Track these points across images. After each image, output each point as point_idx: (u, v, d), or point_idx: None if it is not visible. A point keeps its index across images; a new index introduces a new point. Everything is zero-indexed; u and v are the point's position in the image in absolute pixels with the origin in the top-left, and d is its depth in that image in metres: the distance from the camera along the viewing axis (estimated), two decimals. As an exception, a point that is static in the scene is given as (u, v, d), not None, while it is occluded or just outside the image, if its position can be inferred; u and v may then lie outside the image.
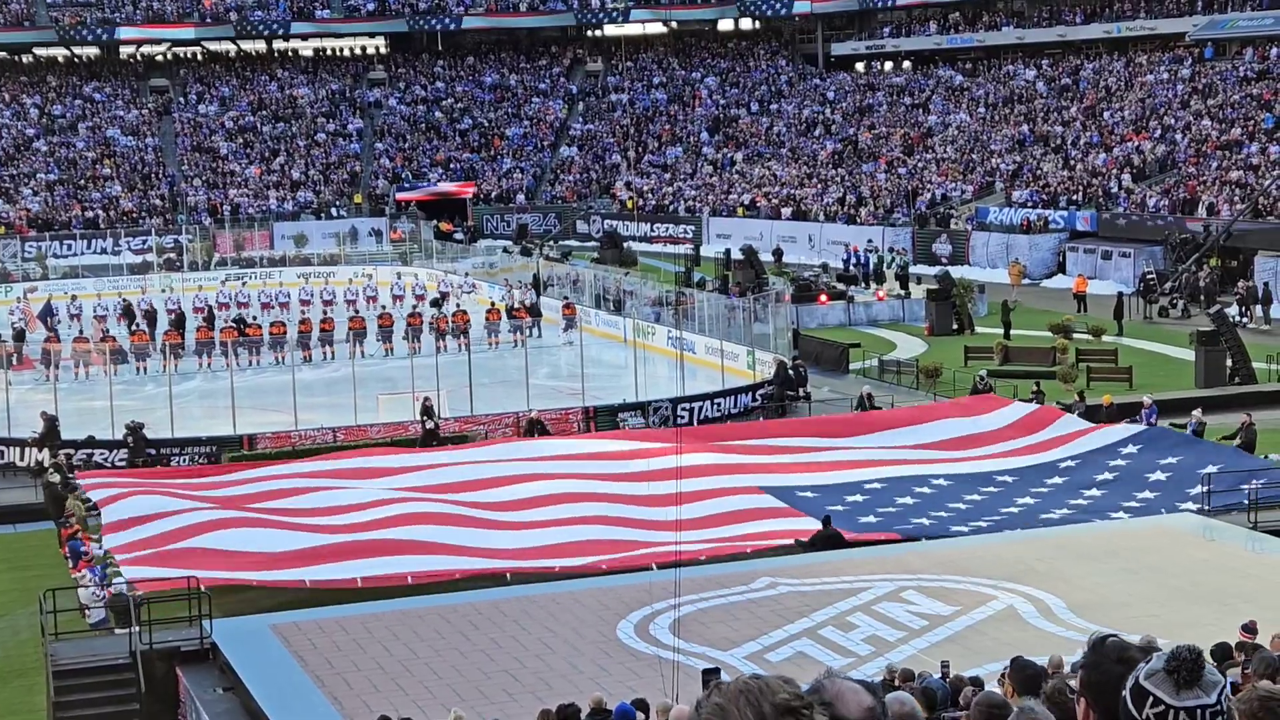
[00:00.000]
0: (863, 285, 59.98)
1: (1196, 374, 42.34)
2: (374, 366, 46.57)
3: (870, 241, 66.78)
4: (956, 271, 59.68)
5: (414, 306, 55.78)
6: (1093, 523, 27.53)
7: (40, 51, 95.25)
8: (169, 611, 23.18)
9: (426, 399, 37.83)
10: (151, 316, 53.69)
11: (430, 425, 36.93)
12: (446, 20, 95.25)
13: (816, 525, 27.88)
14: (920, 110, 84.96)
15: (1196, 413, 33.99)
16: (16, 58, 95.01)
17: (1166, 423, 34.74)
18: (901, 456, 33.15)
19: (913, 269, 61.89)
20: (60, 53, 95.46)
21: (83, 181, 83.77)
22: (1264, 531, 26.03)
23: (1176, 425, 34.41)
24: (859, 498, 30.16)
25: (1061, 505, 29.10)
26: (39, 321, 54.30)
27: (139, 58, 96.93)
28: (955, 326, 52.64)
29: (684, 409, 40.03)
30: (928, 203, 71.78)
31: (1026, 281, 60.88)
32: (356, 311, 54.32)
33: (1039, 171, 70.69)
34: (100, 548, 27.13)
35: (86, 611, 24.28)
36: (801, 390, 41.66)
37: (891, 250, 65.37)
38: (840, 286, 58.28)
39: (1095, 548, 25.14)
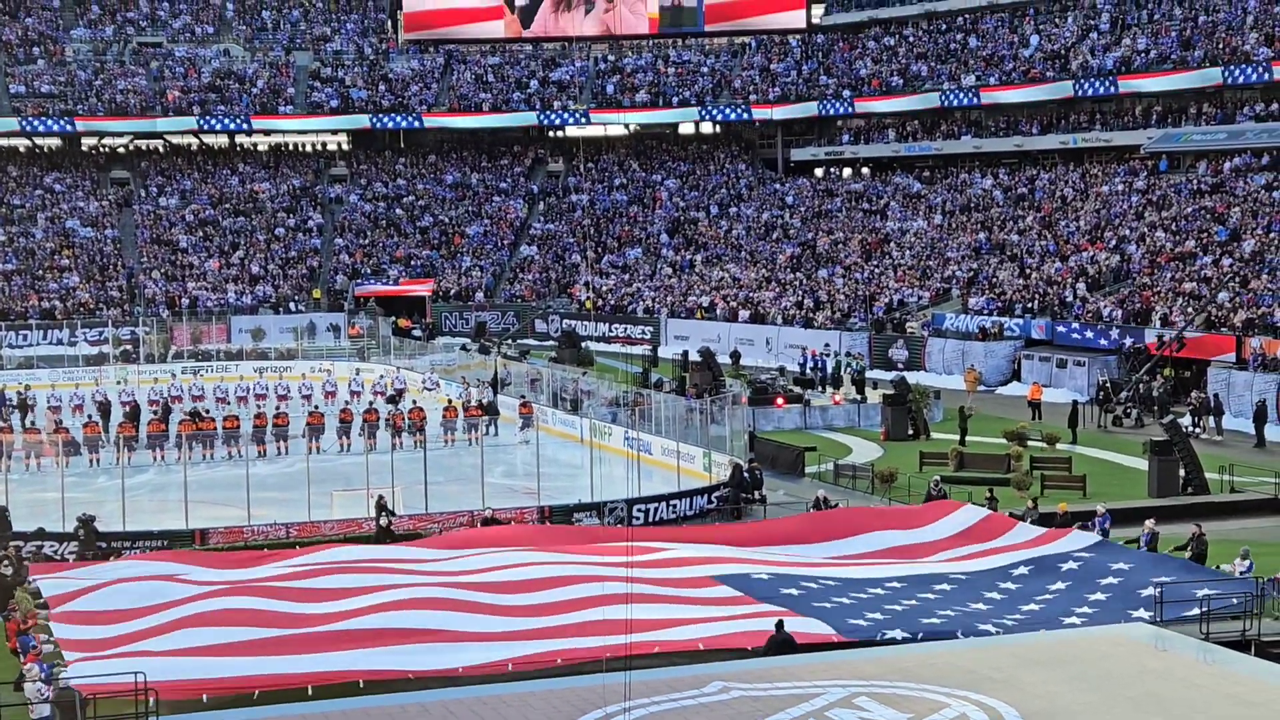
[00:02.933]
0: (819, 389, 60.18)
1: (1150, 483, 42.51)
2: (329, 462, 46.38)
3: (827, 345, 67.09)
4: (912, 377, 59.95)
5: (370, 402, 55.65)
6: (1045, 631, 27.51)
7: (1, 141, 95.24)
8: (115, 709, 22.90)
9: (381, 496, 37.67)
10: (105, 408, 53.41)
11: (384, 522, 36.77)
12: (409, 118, 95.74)
13: (771, 609, 27.84)
14: (878, 216, 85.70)
15: (1149, 523, 34.08)
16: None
17: (1119, 532, 34.85)
18: (854, 561, 33.20)
19: (869, 374, 62.17)
20: (21, 143, 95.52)
21: (40, 272, 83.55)
22: (1215, 643, 26.08)
23: (1129, 535, 34.49)
24: (813, 585, 30.19)
25: (1014, 611, 29.11)
26: (-8, 411, 54.01)
27: (101, 149, 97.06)
28: (911, 432, 52.79)
29: (639, 510, 39.95)
30: (885, 308, 72.17)
31: (982, 388, 61.15)
32: (315, 407, 54.13)
33: (995, 279, 71.22)
34: (50, 643, 26.85)
35: (31, 708, 23.99)
36: (757, 493, 41.64)
37: (848, 355, 65.65)
38: (797, 390, 58.46)
39: (1048, 655, 25.11)
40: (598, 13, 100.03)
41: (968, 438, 49.88)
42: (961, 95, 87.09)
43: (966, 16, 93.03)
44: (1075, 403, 53.83)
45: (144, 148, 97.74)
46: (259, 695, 24.96)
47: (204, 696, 24.66)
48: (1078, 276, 67.87)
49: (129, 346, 70.84)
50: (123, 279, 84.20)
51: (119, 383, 59.80)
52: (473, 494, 40.20)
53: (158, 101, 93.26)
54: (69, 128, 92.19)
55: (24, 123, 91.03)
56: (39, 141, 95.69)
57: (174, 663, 25.71)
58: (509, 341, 76.71)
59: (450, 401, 54.64)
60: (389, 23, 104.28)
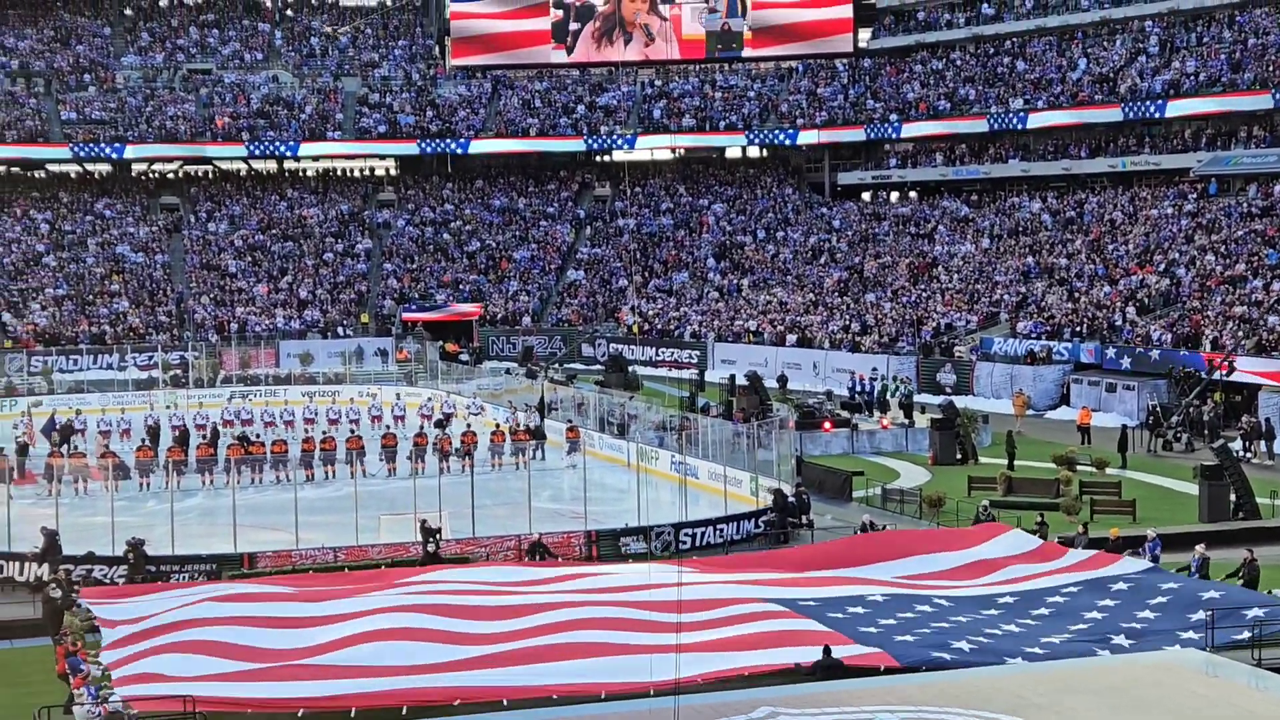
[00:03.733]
0: (867, 413, 59.93)
1: (1200, 508, 42.21)
2: (376, 487, 46.44)
3: (875, 370, 66.84)
4: (961, 401, 59.71)
5: (420, 427, 55.77)
6: (1093, 656, 27.31)
7: (53, 167, 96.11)
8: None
9: (425, 520, 37.70)
10: (155, 432, 53.67)
11: (431, 547, 36.80)
12: (456, 143, 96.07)
13: (818, 629, 27.74)
14: (926, 240, 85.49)
15: (1200, 548, 33.79)
16: (29, 173, 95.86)
17: (1170, 557, 34.59)
18: (902, 582, 33.06)
19: (917, 398, 61.87)
20: (73, 169, 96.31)
21: (91, 297, 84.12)
22: (1268, 668, 25.83)
23: (1180, 560, 34.23)
24: (860, 609, 30.08)
25: (1061, 629, 28.95)
26: (42, 436, 54.31)
27: (150, 175, 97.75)
28: (959, 456, 52.54)
29: (686, 534, 39.89)
30: (932, 332, 71.94)
31: (1030, 413, 60.86)
32: (354, 431, 54.23)
33: (1043, 303, 70.90)
34: (99, 666, 26.95)
35: (81, 730, 24.12)
36: (804, 518, 41.52)
37: (896, 379, 65.42)
38: (844, 414, 58.25)
39: (1096, 682, 24.93)
40: (640, 40, 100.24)
41: (1016, 462, 49.64)
42: (1009, 119, 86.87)
43: (1014, 40, 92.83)
44: (1125, 427, 53.53)
45: (193, 173, 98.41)
46: (303, 714, 25.00)
47: (248, 712, 24.73)
48: (1127, 300, 67.51)
49: (178, 371, 71.16)
50: (172, 304, 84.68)
51: (168, 407, 60.10)
52: (520, 518, 40.18)
53: (207, 128, 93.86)
54: (119, 154, 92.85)
55: (75, 149, 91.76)
56: (90, 168, 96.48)
57: (219, 685, 25.76)
58: (556, 366, 76.78)
59: (498, 426, 54.68)
60: (437, 49, 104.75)
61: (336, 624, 29.23)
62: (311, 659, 27.52)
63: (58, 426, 55.07)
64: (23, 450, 50.68)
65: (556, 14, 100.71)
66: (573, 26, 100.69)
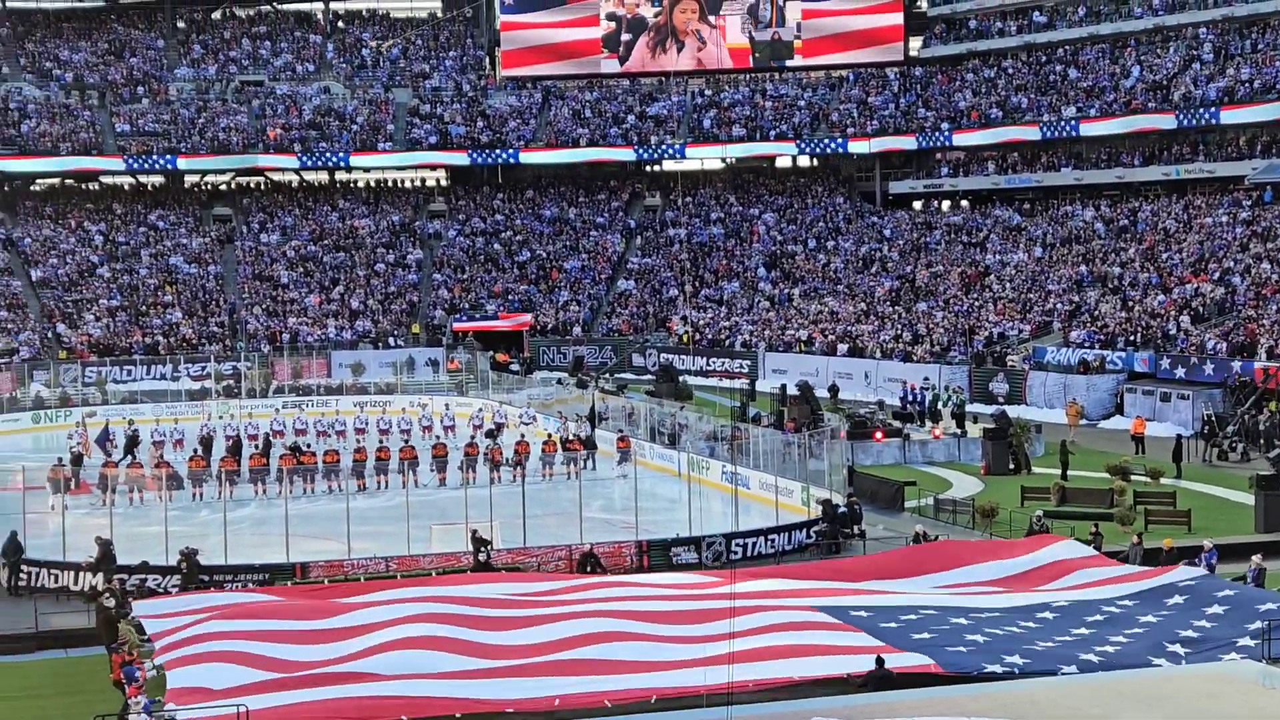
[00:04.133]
0: (918, 423, 59.64)
1: (1256, 518, 41.81)
2: (428, 496, 46.50)
3: (926, 379, 66.57)
4: (1013, 411, 59.33)
5: (471, 437, 55.86)
6: (1148, 666, 27.08)
7: (107, 179, 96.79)
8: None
9: (476, 530, 37.73)
10: (208, 443, 53.91)
11: (482, 556, 36.82)
12: (507, 154, 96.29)
13: (870, 643, 27.66)
14: (978, 249, 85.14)
15: (1256, 558, 33.50)
16: (84, 185, 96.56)
17: (1226, 568, 34.28)
18: (954, 590, 32.91)
19: (969, 408, 61.60)
20: (126, 181, 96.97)
21: (144, 308, 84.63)
22: (1327, 680, 25.55)
23: (1236, 571, 33.93)
24: (912, 617, 29.94)
25: (1116, 635, 28.74)
26: (96, 446, 54.62)
27: (203, 186, 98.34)
28: (1012, 466, 52.22)
29: (737, 544, 39.80)
30: (985, 341, 71.62)
31: (1084, 422, 60.45)
32: (406, 441, 54.36)
33: (1097, 312, 70.51)
34: (154, 671, 27.08)
35: (135, 739, 24.21)
36: (856, 528, 41.38)
37: (948, 388, 65.14)
38: (896, 424, 58.00)
39: (1149, 693, 24.72)
40: (690, 50, 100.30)
41: (1070, 472, 49.29)
42: (1062, 127, 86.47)
43: (1067, 48, 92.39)
44: (1179, 437, 53.08)
45: (246, 185, 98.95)
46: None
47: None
48: (1181, 309, 67.06)
49: (231, 381, 71.48)
50: (225, 314, 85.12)
51: (221, 417, 60.34)
52: (571, 528, 40.15)
53: (259, 139, 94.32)
54: (173, 166, 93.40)
55: (129, 161, 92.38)
56: (143, 179, 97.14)
57: (274, 695, 25.83)
58: (606, 375, 76.75)
59: (549, 435, 54.69)
60: (487, 60, 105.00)
61: (376, 631, 29.24)
62: (364, 666, 27.56)
63: (127, 436, 55.38)
64: (77, 460, 50.95)
65: (608, 25, 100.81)
66: (624, 37, 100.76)
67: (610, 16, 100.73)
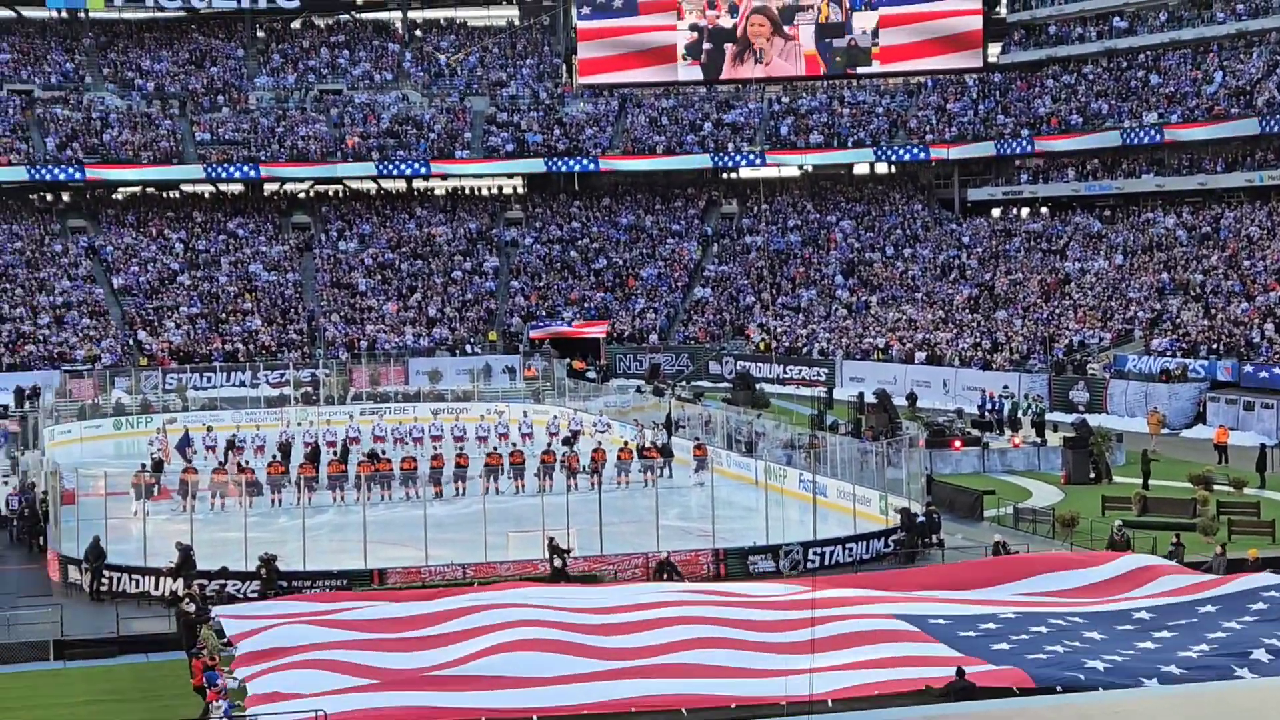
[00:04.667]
0: (997, 432, 59.22)
1: (1342, 529, 41.33)
2: (504, 503, 46.57)
3: (1006, 387, 66.11)
4: (1094, 420, 58.89)
5: (547, 444, 55.90)
6: (1232, 677, 26.68)
7: (187, 188, 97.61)
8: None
9: (553, 538, 37.72)
10: (287, 449, 54.20)
11: (558, 564, 36.81)
12: (584, 161, 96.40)
13: (949, 653, 27.45)
14: (1058, 256, 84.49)
15: (1343, 569, 33.08)
16: (164, 193, 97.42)
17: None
18: (1033, 599, 32.62)
19: (1049, 416, 61.15)
20: (206, 189, 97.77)
21: (224, 315, 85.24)
22: None
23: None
24: (991, 625, 29.67)
25: (1200, 641, 28.38)
26: (176, 453, 55.02)
27: (282, 194, 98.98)
28: (1092, 475, 51.77)
29: (815, 553, 39.64)
30: (1065, 349, 71.06)
31: (1166, 431, 59.88)
32: (494, 448, 54.47)
33: (1179, 320, 69.81)
34: (234, 680, 27.20)
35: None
36: (934, 537, 41.13)
37: (1027, 397, 64.66)
38: (975, 432, 57.62)
39: (1234, 704, 24.33)
40: (766, 60, 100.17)
41: (1151, 481, 48.87)
42: (1143, 133, 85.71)
43: (1148, 54, 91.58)
44: (1263, 446, 52.47)
45: (324, 193, 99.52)
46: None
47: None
48: (1265, 317, 66.27)
49: (309, 388, 71.84)
50: (303, 322, 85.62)
51: (299, 424, 60.66)
52: (647, 536, 40.09)
53: (338, 147, 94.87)
54: (252, 174, 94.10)
55: (209, 169, 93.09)
56: (223, 188, 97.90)
57: (351, 698, 25.89)
58: (683, 383, 76.69)
59: (625, 443, 54.65)
60: (564, 67, 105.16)
61: (465, 640, 29.25)
62: (443, 672, 27.61)
63: (193, 444, 55.78)
64: (158, 466, 51.36)
65: (691, 34, 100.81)
66: (706, 46, 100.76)
67: (693, 27, 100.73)
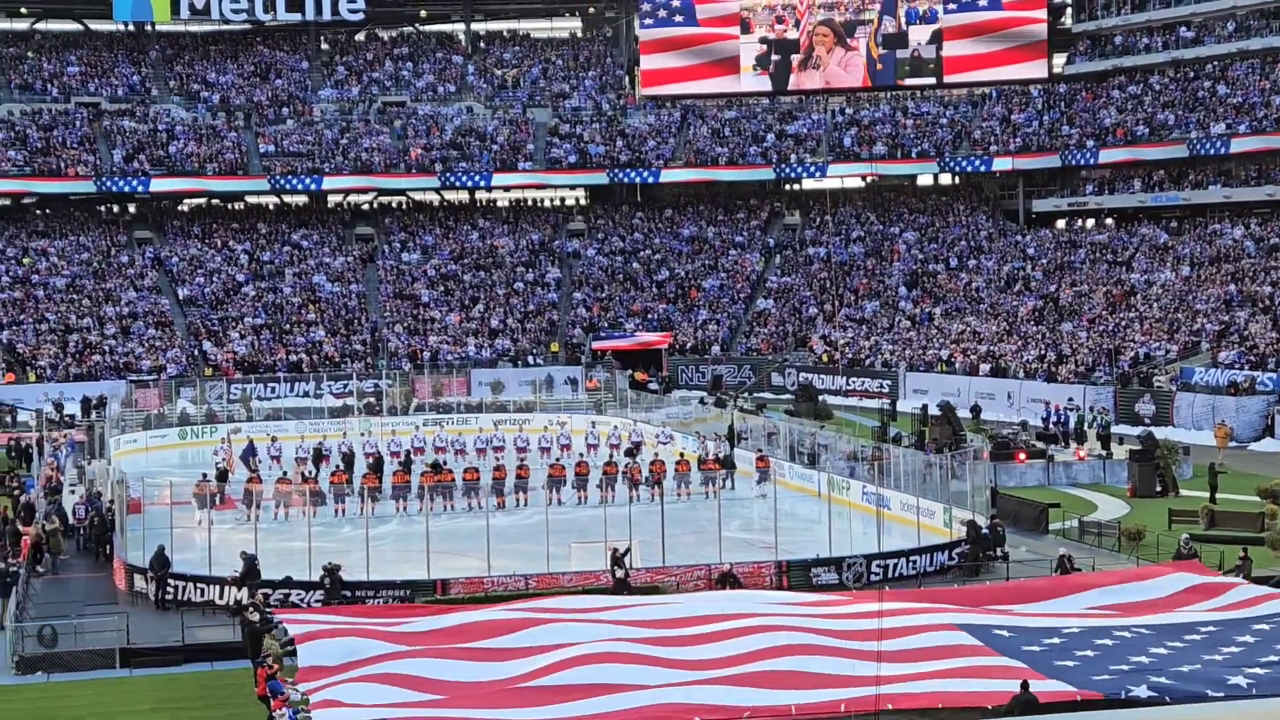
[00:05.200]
0: (1062, 444, 58.87)
1: None
2: (566, 514, 46.52)
3: (1071, 400, 65.65)
4: (1160, 432, 58.38)
5: (609, 455, 55.86)
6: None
7: (252, 199, 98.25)
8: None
9: (615, 549, 37.67)
10: (350, 459, 54.38)
11: (620, 575, 36.76)
12: (646, 173, 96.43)
13: (1013, 664, 27.28)
14: (1123, 268, 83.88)
15: None
16: (229, 205, 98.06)
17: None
18: (1097, 612, 32.36)
19: (1115, 429, 60.70)
20: (271, 200, 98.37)
21: (288, 326, 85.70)
22: None
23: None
24: (1056, 640, 29.43)
25: (1267, 652, 28.07)
26: (240, 462, 55.28)
27: (346, 206, 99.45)
28: (1159, 489, 51.37)
29: (878, 566, 39.45)
30: (1130, 362, 70.54)
31: (1233, 444, 59.35)
32: (556, 460, 54.47)
33: (1246, 332, 69.17)
34: (297, 690, 27.24)
35: (279, 753, 24.36)
36: (999, 550, 40.86)
37: (1093, 409, 64.22)
38: (1039, 445, 57.28)
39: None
40: (827, 70, 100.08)
41: (1219, 495, 48.41)
42: (1210, 144, 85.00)
43: (1215, 64, 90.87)
44: (1333, 459, 51.98)
45: (388, 204, 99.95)
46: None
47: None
48: (1334, 329, 65.69)
49: (372, 399, 72.11)
50: (366, 333, 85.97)
51: (362, 434, 60.85)
52: (709, 548, 40.00)
53: (401, 159, 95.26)
54: (316, 186, 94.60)
55: (273, 181, 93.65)
56: (287, 199, 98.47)
57: (416, 710, 25.90)
58: (745, 395, 76.53)
59: (682, 455, 54.56)
60: (626, 79, 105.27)
61: (538, 655, 29.14)
62: (518, 685, 27.56)
63: (259, 455, 56.02)
64: (222, 476, 51.60)
65: (760, 47, 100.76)
66: (774, 58, 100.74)
67: (762, 39, 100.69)
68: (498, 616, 31.74)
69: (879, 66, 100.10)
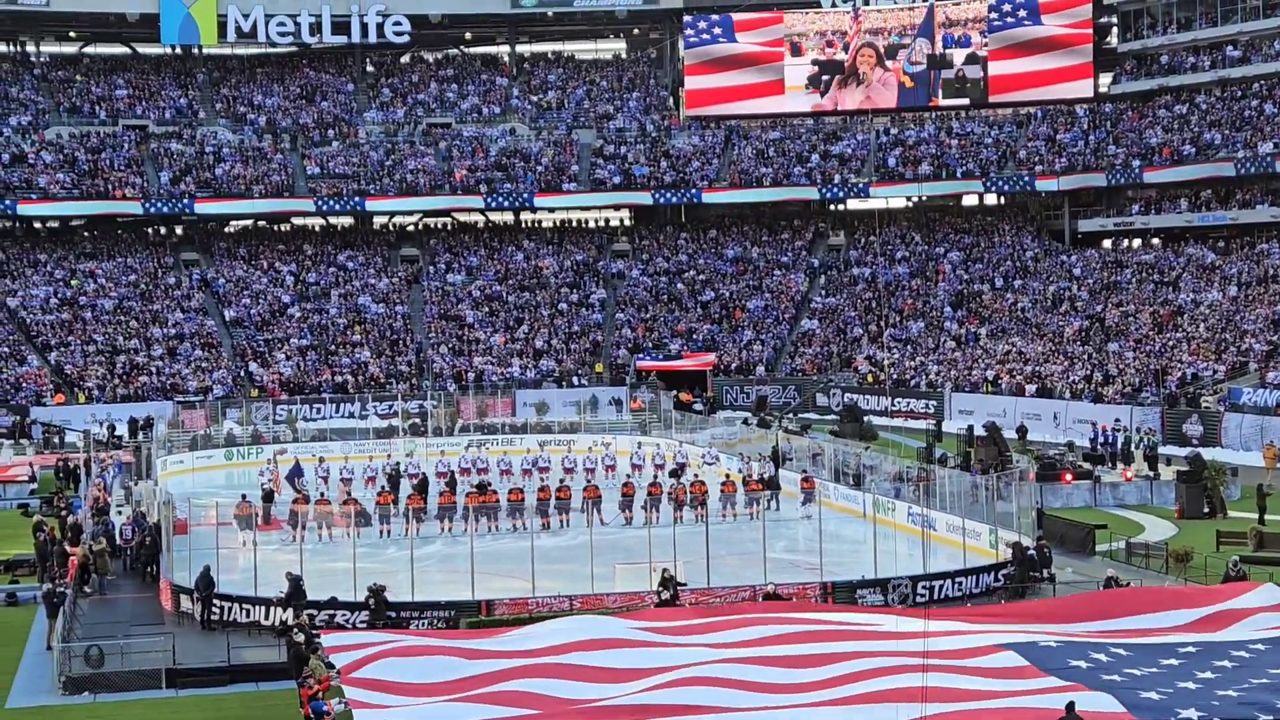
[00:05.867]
0: (1109, 465, 58.56)
1: None
2: (611, 535, 46.47)
3: (1117, 420, 65.32)
4: (1208, 453, 57.99)
5: (654, 476, 55.81)
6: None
7: (298, 220, 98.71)
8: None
9: (666, 570, 37.64)
10: (395, 480, 54.48)
11: (668, 596, 36.71)
12: (690, 193, 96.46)
13: (1059, 684, 27.12)
14: (1170, 288, 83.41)
15: None
16: (275, 226, 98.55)
17: None
18: (1145, 633, 32.14)
19: (1162, 450, 60.32)
20: (317, 222, 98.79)
21: (333, 347, 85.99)
22: None
23: None
24: (1103, 657, 29.24)
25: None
26: (286, 483, 55.45)
27: (391, 227, 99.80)
28: (1206, 510, 51.02)
29: (924, 587, 39.28)
30: (1178, 382, 70.13)
31: (1282, 465, 58.94)
32: (589, 481, 54.42)
33: (1295, 352, 68.76)
34: (341, 704, 27.30)
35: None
36: (1045, 571, 40.65)
37: (1139, 430, 63.85)
38: (1086, 466, 56.99)
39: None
40: (871, 90, 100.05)
41: (1268, 516, 48.03)
42: (1258, 163, 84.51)
43: (1263, 83, 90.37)
44: (1384, 481, 51.54)
45: (433, 225, 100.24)
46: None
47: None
48: (1384, 349, 65.16)
49: (417, 419, 72.25)
50: (412, 354, 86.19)
51: (408, 455, 60.97)
52: (754, 569, 39.93)
53: (446, 180, 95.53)
54: (361, 207, 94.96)
55: (319, 203, 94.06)
56: (333, 220, 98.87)
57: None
58: (790, 415, 76.40)
59: (728, 476, 54.48)
60: (671, 100, 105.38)
61: (637, 679, 29.13)
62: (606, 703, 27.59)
63: (303, 474, 56.19)
64: (268, 497, 51.78)
65: (812, 69, 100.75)
66: (824, 78, 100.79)
67: (814, 61, 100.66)
68: (579, 639, 31.56)
69: (909, 85, 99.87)
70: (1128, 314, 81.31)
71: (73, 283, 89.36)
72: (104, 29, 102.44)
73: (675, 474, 56.64)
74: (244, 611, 37.62)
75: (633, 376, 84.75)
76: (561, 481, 53.34)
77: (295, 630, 32.90)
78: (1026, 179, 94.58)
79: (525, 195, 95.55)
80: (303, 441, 67.74)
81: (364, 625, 35.76)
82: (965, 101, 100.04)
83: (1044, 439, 66.72)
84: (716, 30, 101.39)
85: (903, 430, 72.90)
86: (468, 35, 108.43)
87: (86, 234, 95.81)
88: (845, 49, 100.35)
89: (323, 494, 52.65)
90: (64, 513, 49.23)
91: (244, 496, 49.05)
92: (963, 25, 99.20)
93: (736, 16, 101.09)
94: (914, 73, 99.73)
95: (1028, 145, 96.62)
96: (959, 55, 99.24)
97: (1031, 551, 40.88)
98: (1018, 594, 39.45)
